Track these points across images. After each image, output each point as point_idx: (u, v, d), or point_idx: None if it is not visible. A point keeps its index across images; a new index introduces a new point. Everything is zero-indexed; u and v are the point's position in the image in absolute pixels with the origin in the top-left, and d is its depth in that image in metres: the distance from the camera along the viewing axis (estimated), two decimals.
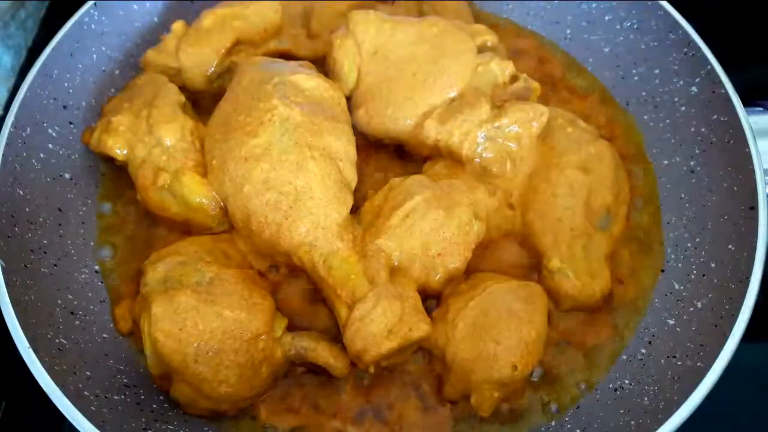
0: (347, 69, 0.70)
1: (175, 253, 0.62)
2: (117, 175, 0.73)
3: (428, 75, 0.67)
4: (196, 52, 0.72)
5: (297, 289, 0.67)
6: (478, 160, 0.67)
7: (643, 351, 0.63)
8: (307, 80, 0.66)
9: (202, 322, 0.57)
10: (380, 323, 0.56)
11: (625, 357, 0.64)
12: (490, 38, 0.71)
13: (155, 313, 0.57)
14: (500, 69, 0.68)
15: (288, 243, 0.61)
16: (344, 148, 0.64)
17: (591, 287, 0.64)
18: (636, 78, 0.77)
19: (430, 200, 0.62)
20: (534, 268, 0.67)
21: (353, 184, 0.64)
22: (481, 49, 0.70)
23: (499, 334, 0.58)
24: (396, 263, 0.61)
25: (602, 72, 0.80)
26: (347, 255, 0.60)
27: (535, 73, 0.79)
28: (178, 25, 0.73)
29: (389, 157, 0.73)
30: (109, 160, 0.70)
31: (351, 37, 0.69)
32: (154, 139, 0.66)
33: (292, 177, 0.61)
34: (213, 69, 0.73)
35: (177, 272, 0.59)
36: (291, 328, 0.62)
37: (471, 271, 0.64)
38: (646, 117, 0.76)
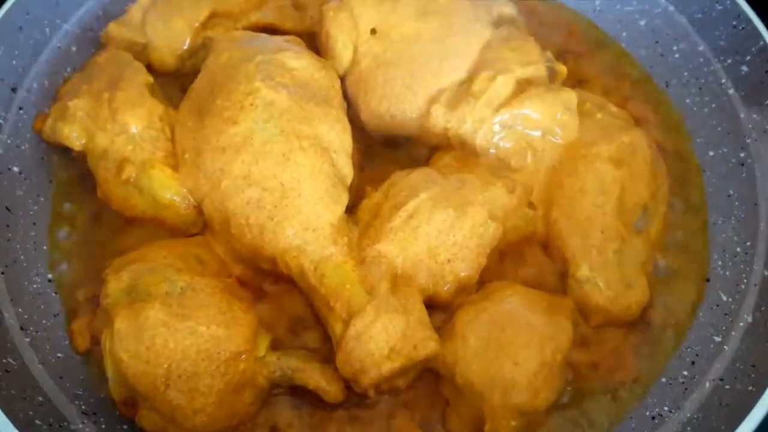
0: (341, 46, 0.70)
1: (141, 259, 0.62)
2: (74, 169, 0.73)
3: (433, 57, 0.68)
4: (166, 25, 0.72)
5: (283, 301, 0.67)
6: (493, 151, 0.67)
7: (685, 373, 0.63)
8: (295, 58, 0.66)
9: (173, 340, 0.56)
10: (380, 340, 0.56)
11: (664, 380, 0.64)
12: (507, 9, 0.72)
13: (118, 330, 0.56)
14: (517, 54, 0.68)
15: (273, 248, 0.61)
16: (338, 137, 0.64)
17: (626, 299, 0.63)
18: (677, 56, 0.77)
19: (438, 198, 0.62)
20: (559, 276, 0.67)
21: (349, 179, 0.64)
22: (498, 23, 0.71)
23: (518, 354, 0.58)
24: (398, 271, 0.61)
25: (637, 49, 0.80)
26: (342, 261, 0.60)
27: (560, 50, 0.79)
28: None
29: (391, 147, 0.73)
30: (66, 150, 0.70)
31: (346, 9, 0.70)
32: (117, 126, 0.65)
33: (277, 171, 0.61)
34: (186, 46, 0.73)
35: (143, 281, 0.59)
36: (276, 345, 0.62)
37: (485, 280, 0.64)
38: (688, 101, 0.76)
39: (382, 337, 0.56)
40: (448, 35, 0.68)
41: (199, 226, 0.67)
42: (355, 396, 0.61)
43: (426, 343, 0.58)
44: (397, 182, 0.65)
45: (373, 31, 0.69)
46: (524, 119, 0.67)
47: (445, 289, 0.62)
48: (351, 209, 0.64)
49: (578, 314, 0.64)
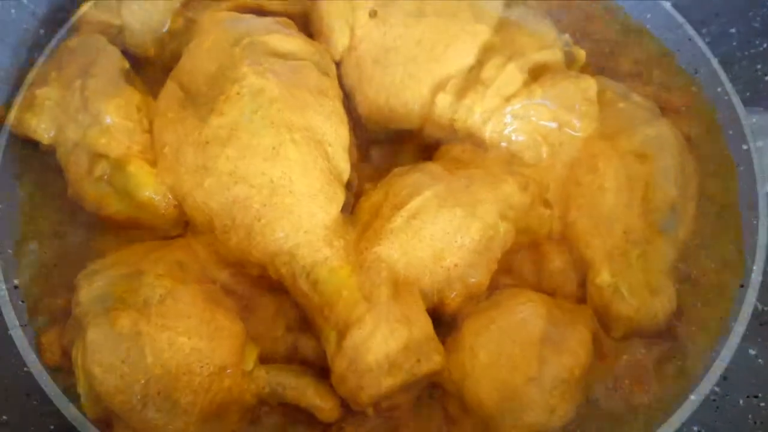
0: (338, 29, 0.69)
1: (116, 263, 0.60)
2: (43, 163, 0.70)
3: (438, 41, 0.66)
4: (144, 6, 0.70)
5: (272, 311, 0.64)
6: (505, 144, 0.66)
7: (717, 389, 0.61)
8: (286, 41, 0.65)
9: (151, 353, 0.55)
10: (380, 354, 0.55)
11: (694, 397, 0.62)
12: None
13: (91, 341, 0.55)
14: (532, 37, 0.67)
15: (262, 251, 0.60)
16: (334, 128, 0.62)
17: (651, 307, 0.61)
18: (707, 39, 0.75)
19: (443, 196, 0.61)
20: (578, 282, 0.65)
21: (345, 176, 0.63)
22: (510, 2, 0.70)
23: (532, 369, 0.56)
24: (400, 277, 0.59)
25: (664, 32, 0.78)
26: (337, 266, 0.59)
27: (578, 34, 0.78)
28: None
29: (392, 142, 0.72)
30: (33, 144, 0.68)
31: None
32: (90, 117, 0.64)
33: (266, 166, 0.59)
34: (165, 28, 0.72)
35: (119, 288, 0.58)
36: (265, 359, 0.60)
37: (496, 287, 0.63)
38: (719, 89, 0.74)
39: (381, 350, 0.55)
40: (456, 17, 0.66)
41: (180, 228, 0.66)
42: (351, 415, 0.59)
43: (430, 357, 0.56)
44: (399, 179, 0.63)
45: (372, 14, 0.68)
46: (539, 109, 0.65)
47: (452, 296, 0.60)
48: (350, 209, 0.63)
49: (598, 324, 0.63)
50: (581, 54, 0.69)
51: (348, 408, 0.58)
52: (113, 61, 0.67)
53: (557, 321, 0.58)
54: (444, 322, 0.61)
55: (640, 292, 0.61)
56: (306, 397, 0.58)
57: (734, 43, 0.73)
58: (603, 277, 0.61)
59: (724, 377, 0.62)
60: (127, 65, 0.68)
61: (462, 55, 0.66)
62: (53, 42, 0.75)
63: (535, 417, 0.55)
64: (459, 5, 0.67)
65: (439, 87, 0.66)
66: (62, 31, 0.76)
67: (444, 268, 0.59)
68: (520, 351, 0.56)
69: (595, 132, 0.66)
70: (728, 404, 0.60)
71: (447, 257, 0.59)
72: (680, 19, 0.77)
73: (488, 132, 0.65)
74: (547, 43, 0.67)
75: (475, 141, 0.66)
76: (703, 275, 0.67)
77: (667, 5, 0.77)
